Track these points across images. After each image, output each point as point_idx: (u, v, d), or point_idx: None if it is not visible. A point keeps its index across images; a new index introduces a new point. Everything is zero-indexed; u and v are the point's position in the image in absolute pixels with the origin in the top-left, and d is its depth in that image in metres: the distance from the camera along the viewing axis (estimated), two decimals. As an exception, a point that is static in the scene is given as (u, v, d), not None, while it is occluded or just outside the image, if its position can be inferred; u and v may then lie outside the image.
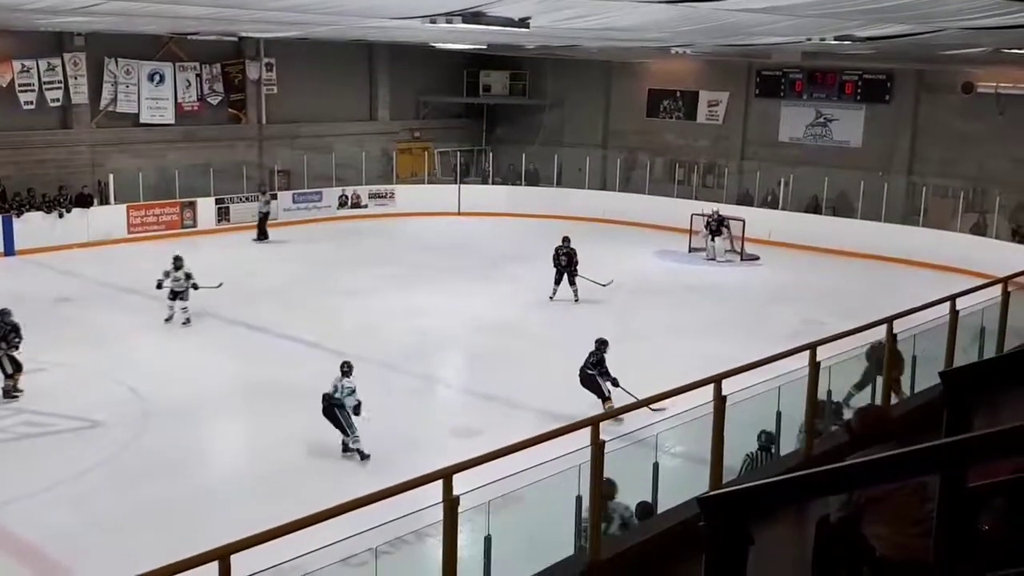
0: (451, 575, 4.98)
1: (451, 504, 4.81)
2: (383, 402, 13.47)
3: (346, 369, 11.79)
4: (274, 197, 26.99)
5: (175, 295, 17.31)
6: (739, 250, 24.43)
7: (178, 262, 17.45)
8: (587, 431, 5.61)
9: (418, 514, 5.63)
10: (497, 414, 13.11)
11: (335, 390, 11.68)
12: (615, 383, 12.88)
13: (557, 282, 19.48)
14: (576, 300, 19.35)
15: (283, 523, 4.24)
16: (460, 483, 4.95)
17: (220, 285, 17.66)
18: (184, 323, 17.27)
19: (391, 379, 14.59)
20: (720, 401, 6.40)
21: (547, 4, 11.44)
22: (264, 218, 26.00)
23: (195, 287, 17.33)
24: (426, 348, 16.42)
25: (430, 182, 30.88)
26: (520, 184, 30.58)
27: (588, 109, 31.38)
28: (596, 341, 13.35)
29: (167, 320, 17.32)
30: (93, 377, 14.30)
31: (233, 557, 3.96)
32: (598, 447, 5.57)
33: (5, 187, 23.21)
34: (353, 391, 11.70)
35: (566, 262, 19.55)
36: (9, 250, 22.32)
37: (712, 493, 2.75)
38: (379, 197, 29.84)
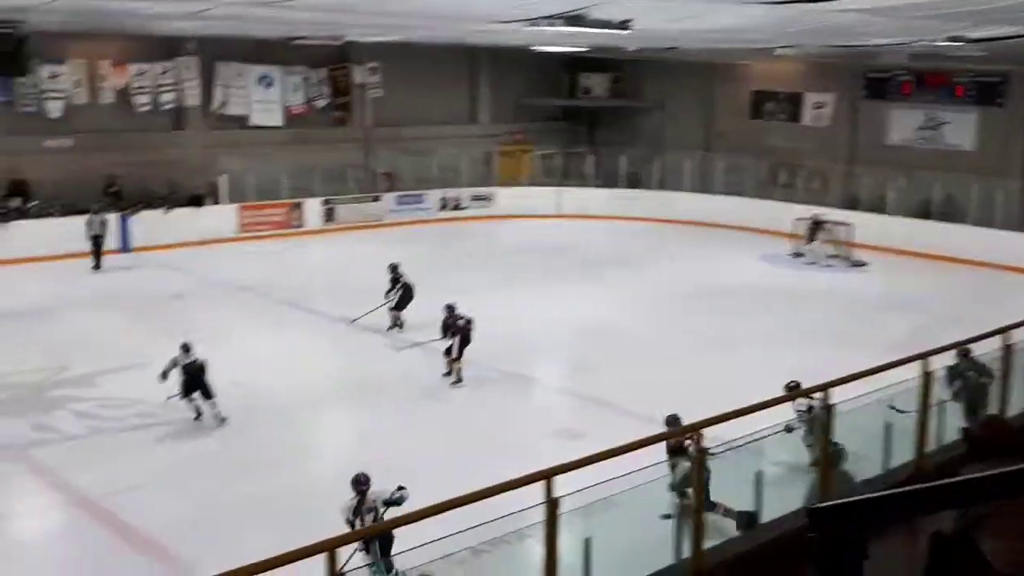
0: (551, 573, 4.98)
1: (552, 505, 4.82)
2: (481, 404, 13.65)
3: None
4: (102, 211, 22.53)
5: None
6: (845, 255, 23.88)
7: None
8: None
9: (517, 515, 5.67)
10: (597, 417, 13.06)
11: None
12: None
13: None
14: None
15: (386, 520, 4.31)
16: (561, 485, 4.96)
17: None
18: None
19: (491, 381, 14.69)
20: (827, 409, 6.27)
21: (648, 6, 11.38)
22: (96, 241, 21.86)
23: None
24: (526, 350, 16.48)
25: (530, 185, 30.97)
26: (621, 187, 30.42)
27: (690, 111, 31.05)
28: None
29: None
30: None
31: (339, 551, 4.05)
32: (701, 453, 5.52)
33: (121, 187, 24.10)
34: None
35: None
36: (125, 247, 23.17)
37: (824, 504, 2.69)
38: (479, 200, 30.04)
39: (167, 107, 25.49)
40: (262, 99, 27.11)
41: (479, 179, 30.61)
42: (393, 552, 5.03)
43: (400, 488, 8.01)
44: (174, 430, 12.45)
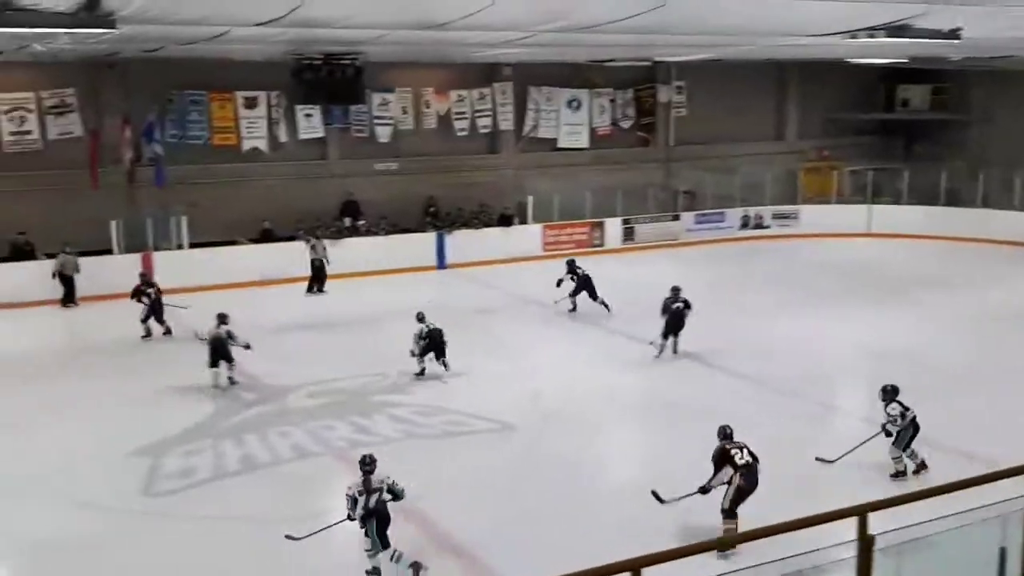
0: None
1: (867, 543, 4.66)
2: (779, 428, 13.29)
3: None
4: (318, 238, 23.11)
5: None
6: None
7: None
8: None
9: (819, 550, 5.53)
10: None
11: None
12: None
13: None
14: None
15: (689, 543, 4.37)
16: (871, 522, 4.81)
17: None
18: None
19: (787, 405, 14.30)
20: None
21: (980, 13, 10.69)
22: (319, 268, 22.43)
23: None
24: (825, 374, 15.88)
25: (838, 202, 29.77)
26: (938, 204, 28.52)
27: (1020, 125, 28.60)
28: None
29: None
30: (506, 382, 15.38)
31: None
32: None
33: (439, 207, 25.71)
34: None
35: None
36: (441, 264, 24.71)
37: None
38: (783, 218, 29.29)
39: (483, 131, 26.92)
40: (570, 121, 28.01)
41: (783, 197, 29.87)
42: None
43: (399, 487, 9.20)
44: (480, 439, 13.08)
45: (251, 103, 23.99)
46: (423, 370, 15.56)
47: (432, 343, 15.56)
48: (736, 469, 9.67)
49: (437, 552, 9.81)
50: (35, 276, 20.53)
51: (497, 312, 20.49)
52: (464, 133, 26.63)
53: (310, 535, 9.56)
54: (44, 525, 10.43)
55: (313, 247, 22.46)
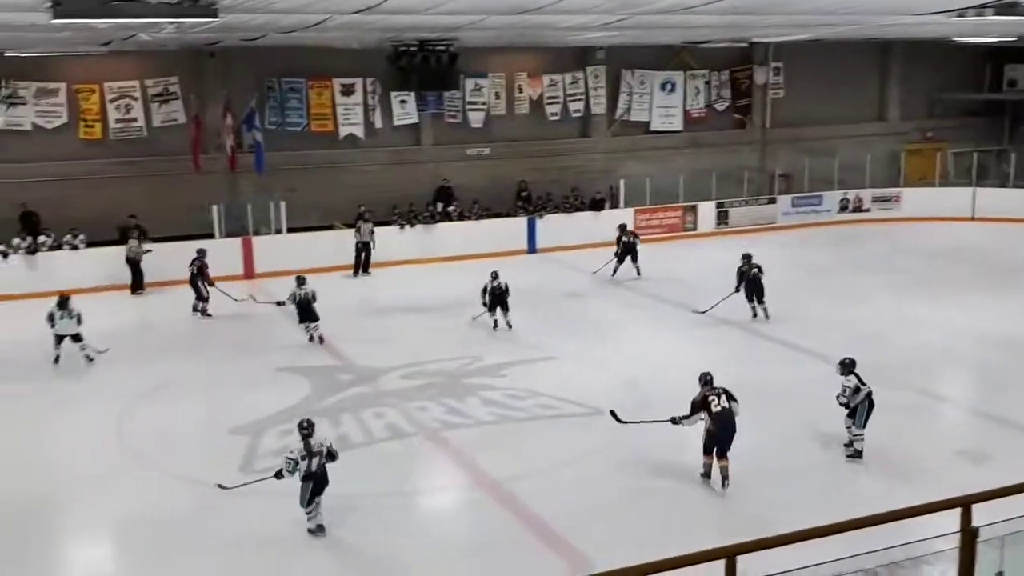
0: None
1: (969, 535, 4.56)
2: (878, 417, 13.00)
3: None
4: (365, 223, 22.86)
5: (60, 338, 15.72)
6: None
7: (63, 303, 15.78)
8: None
9: (921, 541, 5.42)
10: (1006, 439, 12.02)
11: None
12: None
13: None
14: None
15: (791, 531, 4.31)
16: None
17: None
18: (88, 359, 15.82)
19: (889, 394, 13.95)
20: None
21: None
22: (362, 251, 22.85)
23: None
24: (928, 362, 15.47)
25: (941, 185, 28.88)
26: (1048, 188, 27.46)
27: None
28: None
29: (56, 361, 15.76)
30: (598, 367, 15.35)
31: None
32: None
33: (530, 192, 25.74)
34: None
35: None
36: (532, 248, 24.76)
37: None
38: (883, 201, 28.56)
39: (575, 115, 26.84)
40: (663, 104, 27.74)
41: (884, 180, 29.09)
42: (789, 567, 4.98)
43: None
44: (572, 422, 13.11)
45: (348, 90, 24.37)
46: (495, 323, 17.37)
47: (494, 299, 17.27)
48: (711, 415, 10.72)
49: (529, 535, 9.89)
50: (147, 257, 21.14)
51: (588, 296, 20.47)
52: (556, 117, 26.60)
53: (239, 486, 10.36)
54: (145, 500, 10.83)
55: (359, 229, 22.62)
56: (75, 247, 21.43)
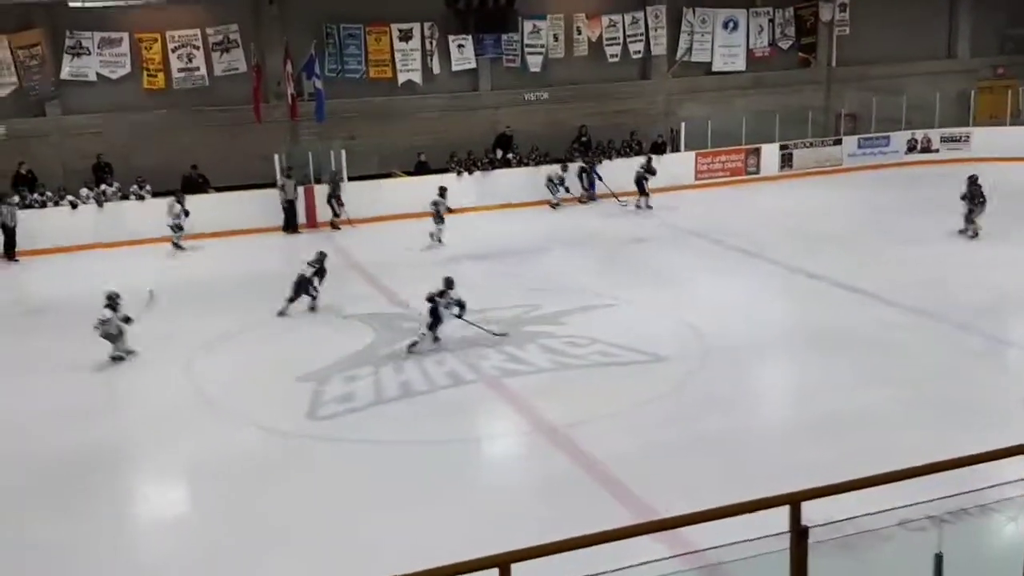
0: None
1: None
2: (945, 362, 12.79)
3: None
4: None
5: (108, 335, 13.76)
6: None
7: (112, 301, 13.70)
8: None
9: (986, 488, 5.35)
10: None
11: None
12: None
13: None
14: None
15: (849, 479, 4.28)
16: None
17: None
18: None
19: (958, 339, 13.73)
20: None
21: None
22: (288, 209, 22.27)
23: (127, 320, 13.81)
24: (1000, 306, 15.11)
25: (1013, 124, 28.02)
26: None
27: None
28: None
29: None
30: (659, 314, 15.25)
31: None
32: None
33: (590, 136, 25.47)
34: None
35: None
36: (591, 195, 24.54)
37: None
38: (952, 141, 27.83)
39: (635, 57, 26.45)
40: (726, 44, 27.23)
41: (954, 119, 28.31)
42: (854, 513, 4.96)
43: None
44: (633, 369, 13.10)
45: (405, 35, 24.27)
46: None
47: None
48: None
49: (589, 479, 9.95)
50: (208, 207, 21.47)
51: (649, 241, 20.34)
52: (616, 59, 26.25)
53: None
54: (214, 445, 11.09)
55: (283, 187, 22.16)
56: (141, 197, 21.81)
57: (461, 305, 13.86)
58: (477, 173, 24.11)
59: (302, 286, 15.82)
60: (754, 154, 26.43)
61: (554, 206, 23.27)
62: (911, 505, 5.07)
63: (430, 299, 13.74)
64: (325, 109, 23.06)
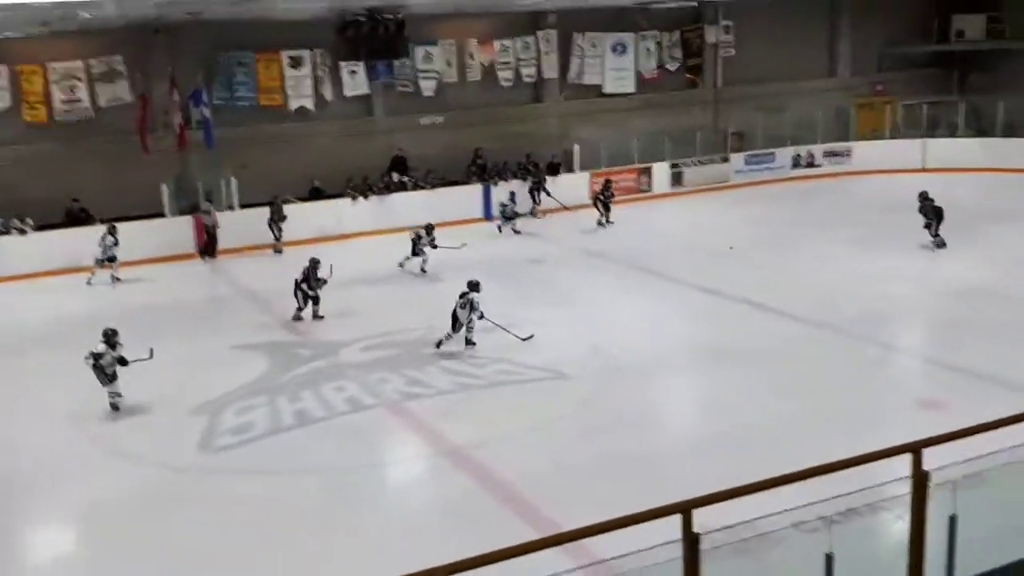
0: (918, 550, 4.81)
1: (920, 479, 4.63)
2: (836, 370, 13.16)
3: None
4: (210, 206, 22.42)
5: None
6: None
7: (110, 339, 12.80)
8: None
9: (873, 487, 5.49)
10: (962, 386, 12.19)
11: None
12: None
13: None
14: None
15: (745, 483, 4.35)
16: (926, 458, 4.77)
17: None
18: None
19: (852, 348, 14.14)
20: None
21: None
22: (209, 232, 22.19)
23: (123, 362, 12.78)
24: (886, 314, 15.62)
25: (891, 138, 29.17)
26: (994, 136, 27.79)
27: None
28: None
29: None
30: (559, 332, 15.30)
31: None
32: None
33: (486, 160, 25.60)
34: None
35: None
36: (488, 215, 24.66)
37: None
38: (835, 155, 28.81)
39: (527, 80, 26.71)
40: (615, 67, 27.70)
41: (836, 134, 29.34)
42: (746, 517, 5.04)
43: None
44: (535, 387, 13.11)
45: (296, 62, 24.04)
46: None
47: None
48: None
49: (493, 500, 9.90)
50: (91, 242, 20.81)
51: (546, 261, 20.46)
52: (509, 83, 26.46)
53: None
54: (107, 483, 10.71)
55: (207, 212, 22.08)
56: (23, 231, 21.06)
57: (473, 307, 14.28)
58: (373, 197, 23.96)
59: (296, 292, 16.34)
60: (646, 173, 26.90)
61: (516, 231, 23.26)
62: (804, 506, 5.18)
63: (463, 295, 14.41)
64: (215, 137, 22.65)
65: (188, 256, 21.75)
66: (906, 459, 5.01)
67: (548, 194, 24.81)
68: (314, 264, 16.44)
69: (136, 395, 13.29)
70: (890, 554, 5.39)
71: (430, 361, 14.22)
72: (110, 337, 12.67)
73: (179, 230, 21.88)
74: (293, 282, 16.46)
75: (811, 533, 5.33)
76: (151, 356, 12.82)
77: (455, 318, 14.38)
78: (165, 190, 21.90)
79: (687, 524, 4.12)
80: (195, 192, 22.40)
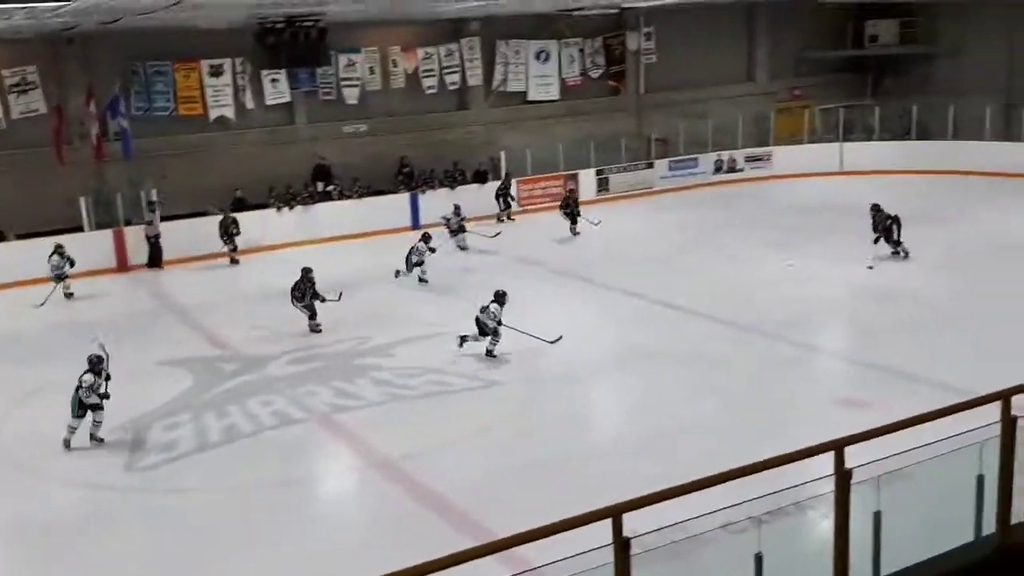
0: (843, 546, 4.90)
1: (843, 476, 4.72)
2: (761, 371, 13.39)
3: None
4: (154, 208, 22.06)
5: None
6: None
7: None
8: (994, 407, 5.25)
9: (798, 486, 5.58)
10: (883, 385, 12.50)
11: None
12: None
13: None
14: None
15: (672, 486, 4.39)
16: (848, 455, 4.86)
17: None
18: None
19: (772, 348, 14.40)
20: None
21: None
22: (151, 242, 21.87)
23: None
24: (808, 315, 15.95)
25: (810, 142, 29.81)
26: (910, 139, 28.59)
27: (989, 56, 28.58)
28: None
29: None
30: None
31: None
32: (1009, 423, 5.20)
33: (412, 167, 25.49)
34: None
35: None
36: (416, 224, 24.52)
37: None
38: (756, 160, 29.33)
39: (452, 88, 26.67)
40: (539, 74, 27.84)
41: (756, 139, 29.86)
42: (676, 519, 5.10)
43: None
44: (465, 397, 13.10)
45: (216, 71, 23.67)
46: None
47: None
48: None
49: (424, 510, 9.85)
50: (4, 258, 20.23)
51: (477, 269, 20.43)
52: (433, 91, 26.39)
53: None
54: (27, 506, 10.40)
55: (150, 222, 21.77)
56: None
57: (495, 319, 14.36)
58: (298, 207, 23.70)
59: (293, 303, 16.19)
60: (572, 180, 27.05)
61: (462, 247, 22.32)
62: (732, 506, 5.24)
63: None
64: (133, 147, 22.17)
65: (109, 270, 21.25)
66: (829, 457, 5.10)
67: (513, 199, 25.02)
68: (306, 274, 16.20)
69: (58, 416, 12.93)
70: (818, 552, 5.48)
71: (359, 373, 14.11)
72: (95, 365, 11.78)
73: (100, 243, 21.34)
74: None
75: (740, 533, 5.41)
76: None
77: (480, 324, 14.45)
78: (83, 203, 21.35)
79: (617, 528, 4.14)
80: (114, 204, 21.86)
